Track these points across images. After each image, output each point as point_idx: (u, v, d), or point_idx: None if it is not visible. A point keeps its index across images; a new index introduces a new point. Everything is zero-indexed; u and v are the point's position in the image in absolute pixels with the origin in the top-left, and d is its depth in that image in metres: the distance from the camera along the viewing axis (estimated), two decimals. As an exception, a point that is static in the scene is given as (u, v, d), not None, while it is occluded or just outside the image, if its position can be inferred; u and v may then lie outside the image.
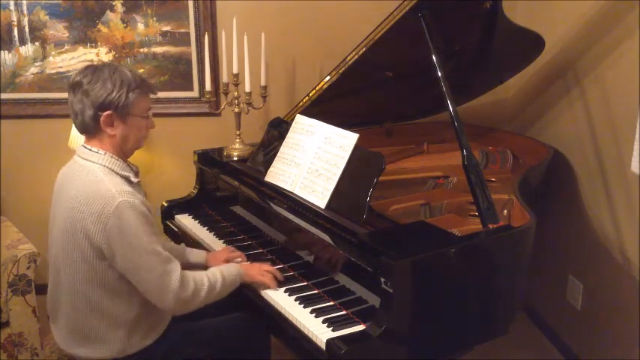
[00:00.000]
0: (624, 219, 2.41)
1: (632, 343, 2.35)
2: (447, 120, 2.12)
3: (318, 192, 2.05)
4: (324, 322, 1.78)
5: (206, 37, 2.94)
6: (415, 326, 1.74)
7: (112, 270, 1.76)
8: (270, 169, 2.26)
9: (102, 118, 1.77)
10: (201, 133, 3.26)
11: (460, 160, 1.99)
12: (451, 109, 2.03)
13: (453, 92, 2.06)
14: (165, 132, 3.25)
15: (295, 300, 1.91)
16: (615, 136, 2.43)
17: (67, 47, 3.18)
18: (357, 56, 2.30)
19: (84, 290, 1.79)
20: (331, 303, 1.87)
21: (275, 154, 2.28)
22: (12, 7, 3.10)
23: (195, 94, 3.28)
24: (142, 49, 3.21)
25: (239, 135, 2.78)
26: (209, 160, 2.67)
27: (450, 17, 2.30)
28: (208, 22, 3.13)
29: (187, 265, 2.21)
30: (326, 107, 2.50)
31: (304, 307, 1.86)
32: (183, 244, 2.37)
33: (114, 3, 3.14)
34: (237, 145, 2.72)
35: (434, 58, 2.08)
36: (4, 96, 3.19)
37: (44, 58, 3.18)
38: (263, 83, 2.84)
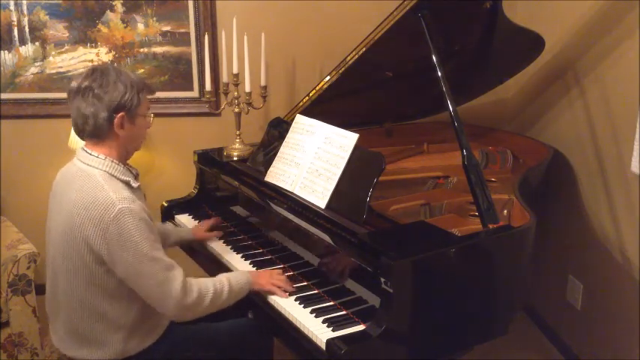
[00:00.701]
0: (624, 219, 2.41)
1: (632, 343, 2.36)
2: (447, 120, 2.11)
3: (318, 192, 2.05)
4: (324, 322, 1.77)
5: (206, 37, 2.94)
6: (415, 326, 1.74)
7: (112, 274, 1.76)
8: (270, 169, 2.26)
9: (115, 120, 1.77)
10: (201, 133, 3.26)
11: (460, 160, 1.99)
12: (451, 109, 2.03)
13: (453, 92, 2.06)
14: (165, 132, 3.26)
15: (295, 300, 1.91)
16: (615, 136, 2.43)
17: (67, 47, 3.18)
18: (357, 56, 2.30)
19: (82, 293, 1.78)
20: (331, 303, 1.87)
21: (275, 154, 2.28)
22: (12, 7, 3.10)
23: (195, 94, 3.28)
24: (142, 49, 3.21)
25: (239, 135, 2.78)
26: (209, 160, 2.67)
27: (450, 17, 2.30)
28: (208, 22, 3.13)
29: (180, 242, 2.36)
30: (326, 107, 2.50)
31: (304, 307, 1.86)
32: (169, 223, 2.52)
33: (114, 3, 3.14)
34: (237, 145, 2.72)
35: (434, 58, 2.08)
36: (4, 96, 3.19)
37: (44, 58, 3.18)
38: (263, 83, 2.84)
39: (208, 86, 2.86)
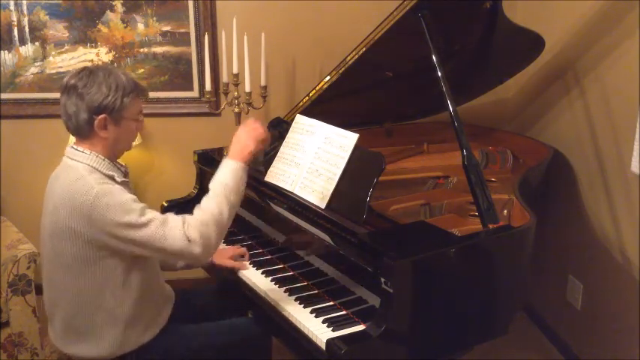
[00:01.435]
0: (624, 219, 2.41)
1: (632, 343, 2.36)
2: (447, 120, 2.11)
3: (318, 192, 2.05)
4: (324, 322, 1.77)
5: (206, 37, 2.94)
6: (415, 326, 1.74)
7: (104, 264, 1.75)
8: (270, 169, 2.26)
9: (96, 122, 1.76)
10: (201, 133, 3.26)
11: (460, 160, 1.99)
12: (451, 109, 2.03)
13: (453, 92, 2.06)
14: (165, 132, 3.26)
15: (295, 300, 1.91)
16: (615, 136, 2.43)
17: (67, 47, 3.18)
18: (357, 56, 2.30)
19: (77, 285, 1.78)
20: (331, 303, 1.87)
21: (275, 154, 2.28)
22: (12, 7, 3.10)
23: (195, 94, 3.28)
24: (142, 49, 3.21)
25: (239, 135, 2.78)
26: (209, 160, 2.67)
27: (450, 17, 2.30)
28: (208, 22, 3.13)
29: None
30: (326, 107, 2.50)
31: (304, 307, 1.86)
32: None
33: (114, 3, 3.14)
34: (237, 145, 2.72)
35: (434, 58, 2.08)
36: (4, 96, 3.19)
37: (44, 58, 3.18)
38: (263, 83, 2.84)
39: (208, 86, 2.86)
